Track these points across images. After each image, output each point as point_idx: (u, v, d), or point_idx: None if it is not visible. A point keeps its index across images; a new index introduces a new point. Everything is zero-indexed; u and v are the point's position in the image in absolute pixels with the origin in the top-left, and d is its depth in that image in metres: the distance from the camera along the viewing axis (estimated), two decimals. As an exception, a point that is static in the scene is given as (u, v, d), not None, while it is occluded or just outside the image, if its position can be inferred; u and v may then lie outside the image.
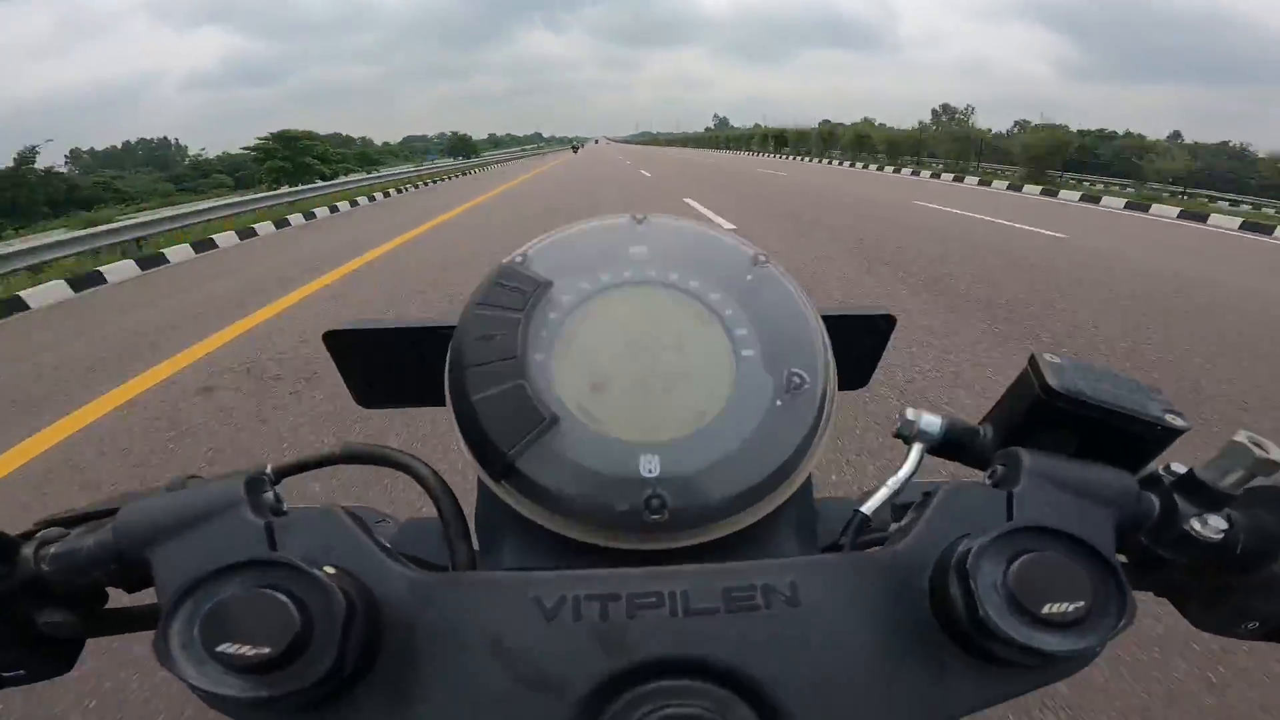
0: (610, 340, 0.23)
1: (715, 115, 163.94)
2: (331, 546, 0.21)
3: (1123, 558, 0.24)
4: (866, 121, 25.40)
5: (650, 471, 0.21)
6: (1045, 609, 0.18)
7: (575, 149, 45.49)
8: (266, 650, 0.17)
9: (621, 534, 0.22)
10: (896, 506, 0.25)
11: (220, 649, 0.18)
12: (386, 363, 0.32)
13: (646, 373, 0.22)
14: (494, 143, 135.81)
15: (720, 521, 0.22)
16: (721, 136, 53.47)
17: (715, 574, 0.20)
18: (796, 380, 0.22)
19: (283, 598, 0.18)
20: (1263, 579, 0.23)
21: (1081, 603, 0.18)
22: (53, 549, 0.22)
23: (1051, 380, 0.24)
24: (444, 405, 0.27)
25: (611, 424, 0.21)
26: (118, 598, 0.25)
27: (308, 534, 0.21)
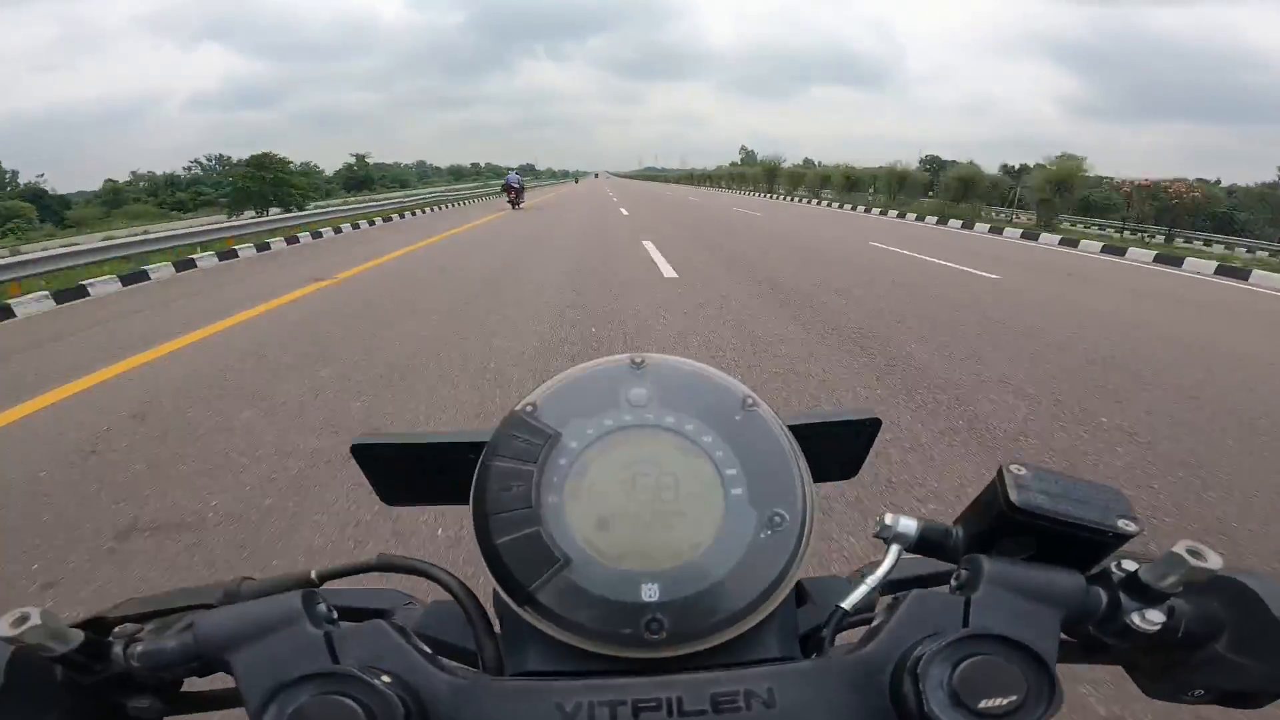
0: (614, 480, 0.27)
1: (743, 148, 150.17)
2: (381, 656, 0.25)
3: (1074, 640, 0.29)
4: (846, 165, 26.49)
5: (651, 597, 0.25)
6: (982, 704, 0.22)
7: (576, 180, 51.82)
8: None
9: (627, 648, 0.26)
10: (883, 589, 0.29)
11: None
12: (410, 469, 0.36)
13: (646, 509, 0.27)
14: (454, 174, 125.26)
15: (710, 636, 0.26)
16: (719, 175, 56.00)
17: (705, 682, 0.25)
18: (778, 519, 0.27)
19: (352, 703, 0.22)
20: (1206, 656, 0.27)
21: (1015, 697, 0.23)
22: (140, 648, 0.27)
23: (1014, 496, 0.28)
24: (462, 503, 0.32)
25: (617, 557, 0.26)
26: (191, 681, 0.30)
27: (361, 644, 0.25)
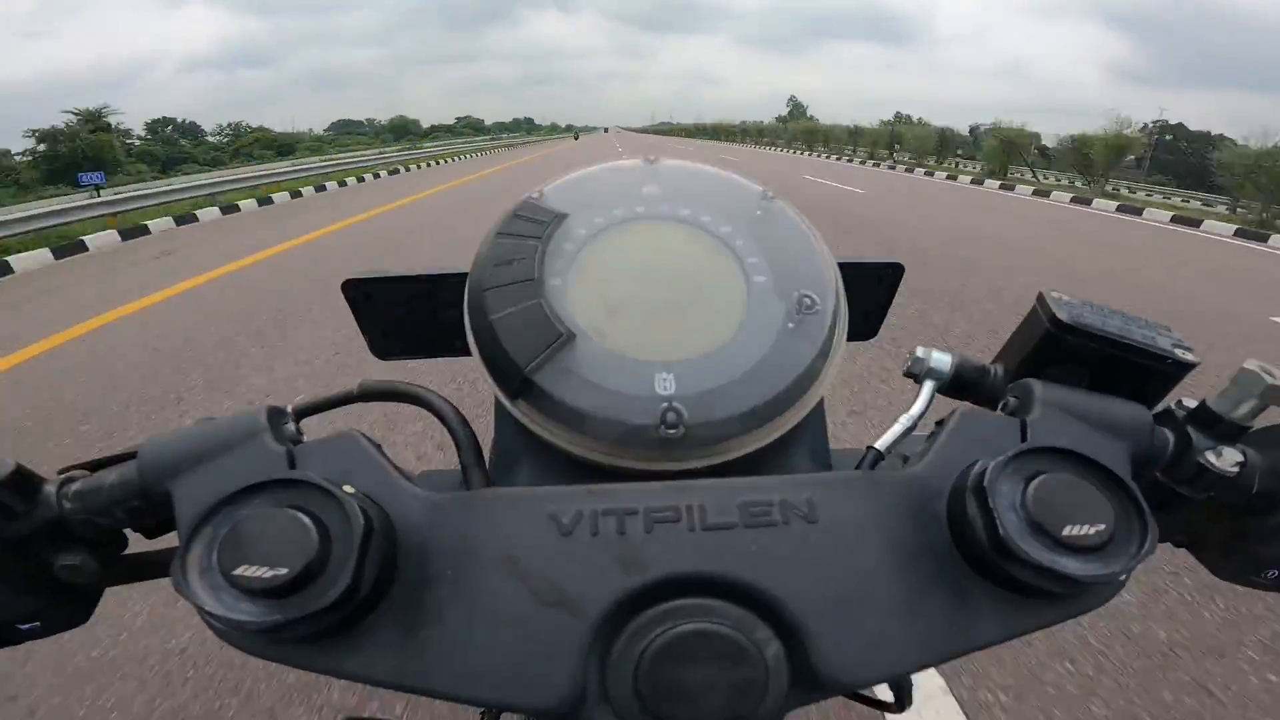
0: (625, 269, 0.26)
1: (792, 98, 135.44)
2: (350, 471, 0.23)
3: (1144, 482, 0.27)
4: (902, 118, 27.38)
5: (666, 389, 0.24)
6: (1066, 531, 0.20)
7: (577, 136, 53.17)
8: (284, 571, 0.19)
9: (638, 451, 0.24)
10: (912, 441, 0.28)
11: (237, 572, 0.19)
12: (403, 312, 0.36)
13: (661, 298, 0.26)
14: (449, 131, 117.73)
15: (736, 439, 0.24)
16: (745, 129, 54.89)
17: (733, 489, 0.23)
18: (808, 302, 0.26)
19: (302, 516, 0.20)
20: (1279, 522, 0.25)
21: (1103, 526, 0.20)
22: (75, 486, 0.25)
23: (1061, 314, 0.27)
24: (458, 355, 0.32)
25: (627, 344, 0.25)
26: (137, 546, 0.28)
27: (329, 458, 0.24)
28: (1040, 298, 0.28)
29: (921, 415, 0.28)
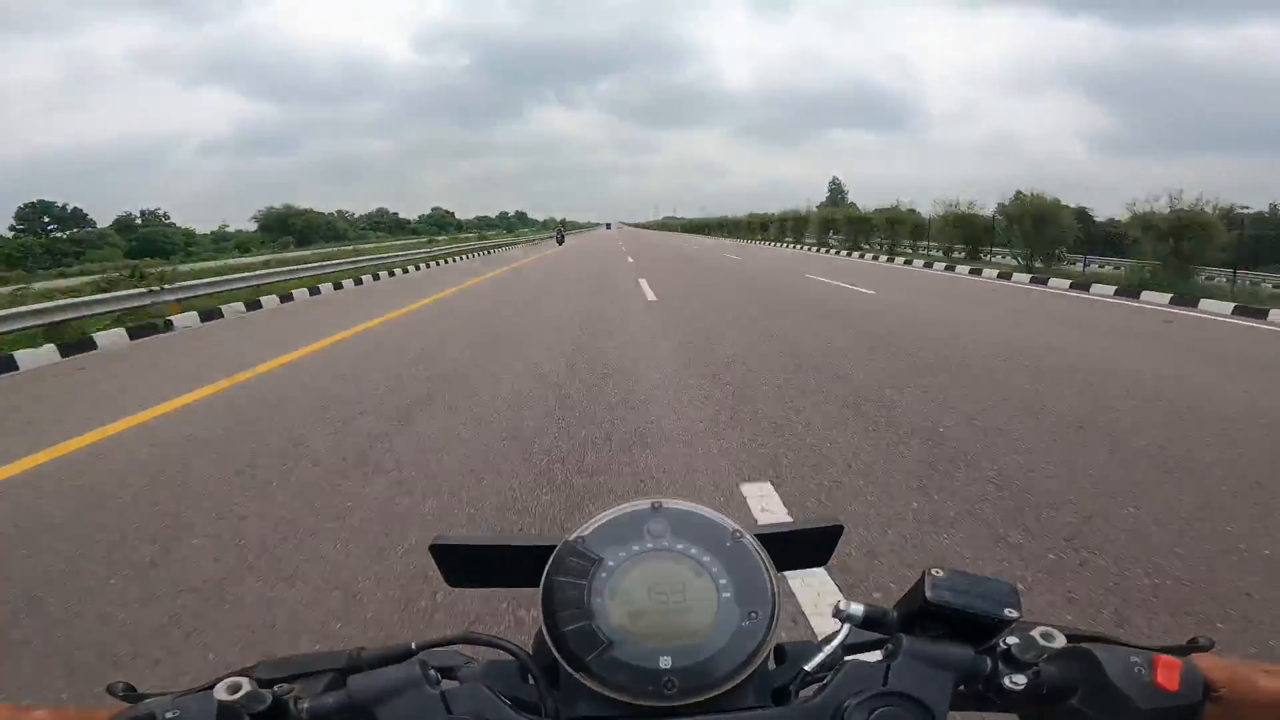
0: (640, 588, 0.47)
1: (834, 180, 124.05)
2: (482, 709, 0.44)
3: (970, 694, 0.47)
4: (852, 205, 27.59)
5: (666, 665, 0.44)
6: None
7: (559, 239, 41.07)
8: None
9: (652, 701, 0.44)
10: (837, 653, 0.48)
11: None
12: (480, 564, 0.57)
13: (663, 607, 0.46)
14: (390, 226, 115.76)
15: (708, 690, 0.45)
16: (739, 223, 57.12)
17: None
18: (753, 615, 0.46)
19: None
20: (1066, 710, 0.45)
21: None
22: (306, 704, 0.44)
23: (928, 593, 0.47)
24: (519, 587, 0.54)
25: (643, 638, 0.45)
26: None
27: (468, 702, 0.44)
28: (924, 574, 0.48)
29: (839, 645, 0.48)
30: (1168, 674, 0.42)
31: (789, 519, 2.58)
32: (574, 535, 0.49)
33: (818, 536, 0.58)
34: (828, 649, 0.48)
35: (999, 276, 14.92)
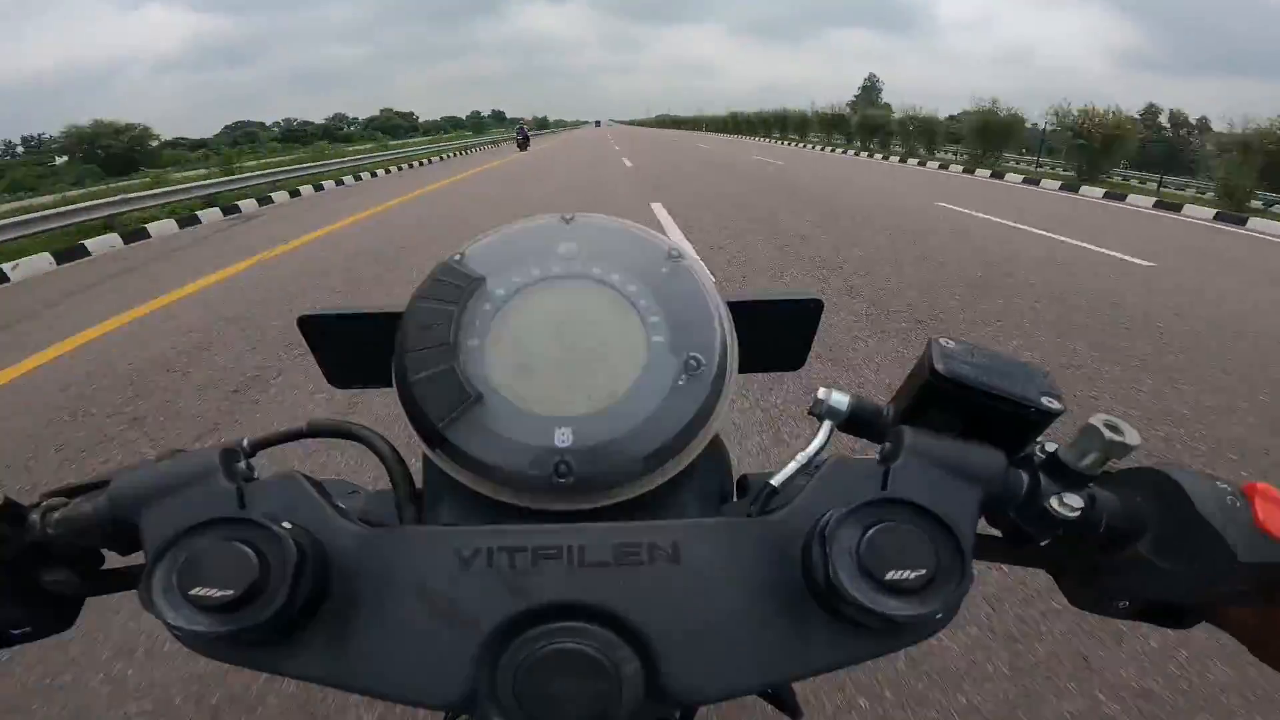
0: (537, 328, 0.33)
1: (871, 76, 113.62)
2: (292, 507, 0.31)
3: (997, 532, 0.34)
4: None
5: (563, 442, 0.31)
6: (889, 575, 0.27)
7: (522, 142, 27.71)
8: (230, 592, 0.27)
9: (536, 496, 0.32)
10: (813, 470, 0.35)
11: (193, 592, 0.27)
12: (353, 345, 0.44)
13: (567, 356, 0.33)
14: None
15: (621, 486, 0.32)
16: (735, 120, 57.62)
17: (608, 532, 0.31)
18: (694, 363, 0.32)
19: (244, 548, 0.28)
20: (1129, 557, 0.32)
21: (923, 571, 0.27)
22: (56, 515, 0.33)
23: (938, 365, 0.33)
24: None
25: (533, 401, 0.32)
26: (112, 561, 0.36)
27: (272, 497, 0.32)
28: (929, 343, 0.35)
29: (817, 453, 0.35)
30: (1271, 512, 0.29)
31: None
32: (450, 255, 0.36)
33: (789, 315, 0.44)
34: (800, 457, 0.35)
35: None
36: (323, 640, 0.30)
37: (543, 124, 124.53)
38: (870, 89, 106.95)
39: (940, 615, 0.27)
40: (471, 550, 0.30)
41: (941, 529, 0.28)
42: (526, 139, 28.92)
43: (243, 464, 0.34)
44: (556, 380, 0.32)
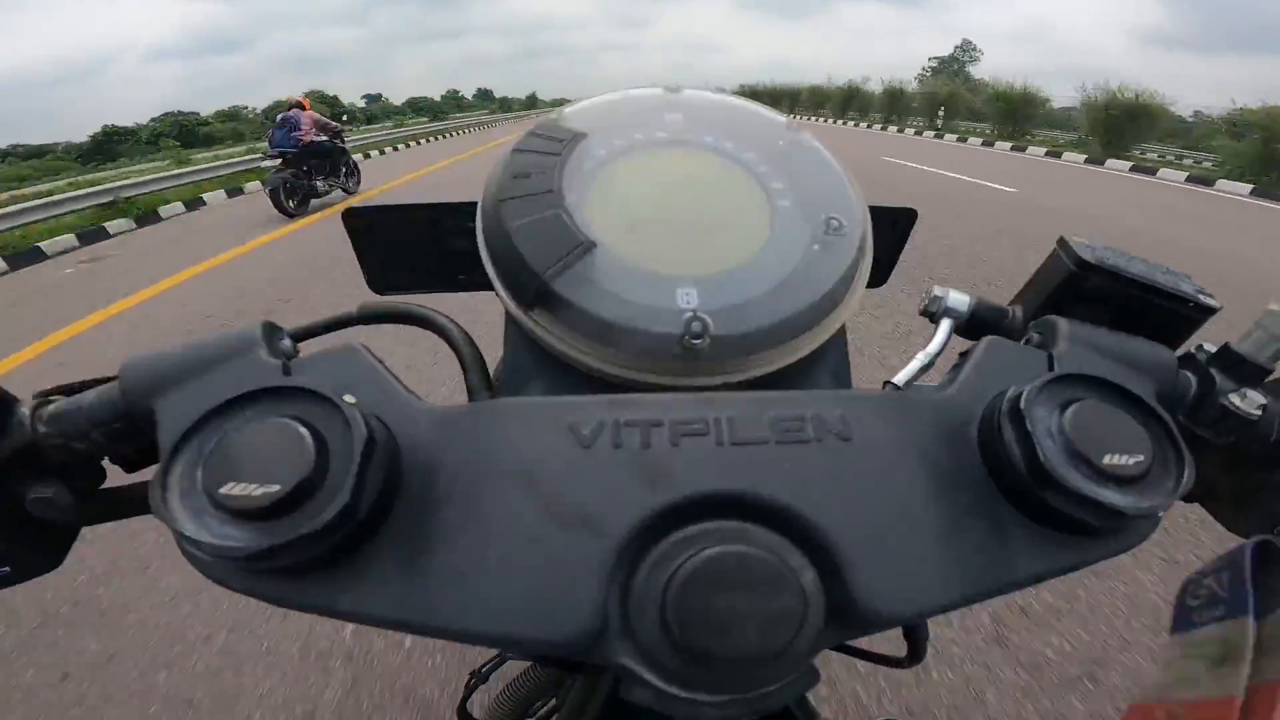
0: (645, 189, 0.30)
1: (968, 40, 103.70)
2: (351, 384, 0.25)
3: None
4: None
5: (688, 303, 0.27)
6: (1106, 460, 0.23)
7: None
8: (275, 488, 0.21)
9: (660, 363, 0.27)
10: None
11: (223, 491, 0.21)
12: (403, 245, 0.40)
13: (682, 217, 0.30)
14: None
15: (761, 354, 0.28)
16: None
17: (764, 402, 0.26)
18: (835, 223, 0.30)
19: (297, 426, 0.22)
20: None
21: (1141, 457, 0.24)
22: (50, 409, 0.27)
23: (1086, 255, 0.31)
24: (461, 290, 0.37)
25: (648, 258, 0.28)
26: (114, 480, 0.30)
27: (327, 370, 0.26)
28: (1061, 241, 0.33)
29: (939, 353, 0.33)
30: None
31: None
32: (549, 114, 0.33)
33: (883, 224, 0.40)
34: (921, 356, 0.33)
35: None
36: (394, 560, 0.23)
37: (530, 104, 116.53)
38: (967, 52, 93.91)
39: (1162, 512, 0.24)
40: (593, 426, 0.25)
41: (1147, 413, 0.25)
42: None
43: (286, 342, 0.28)
44: (671, 240, 0.29)
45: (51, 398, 0.28)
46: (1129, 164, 14.16)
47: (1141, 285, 0.31)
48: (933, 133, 23.16)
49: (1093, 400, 0.25)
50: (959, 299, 0.35)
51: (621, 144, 0.32)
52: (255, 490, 0.21)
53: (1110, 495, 0.23)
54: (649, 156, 0.31)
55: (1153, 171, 13.36)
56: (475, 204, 0.34)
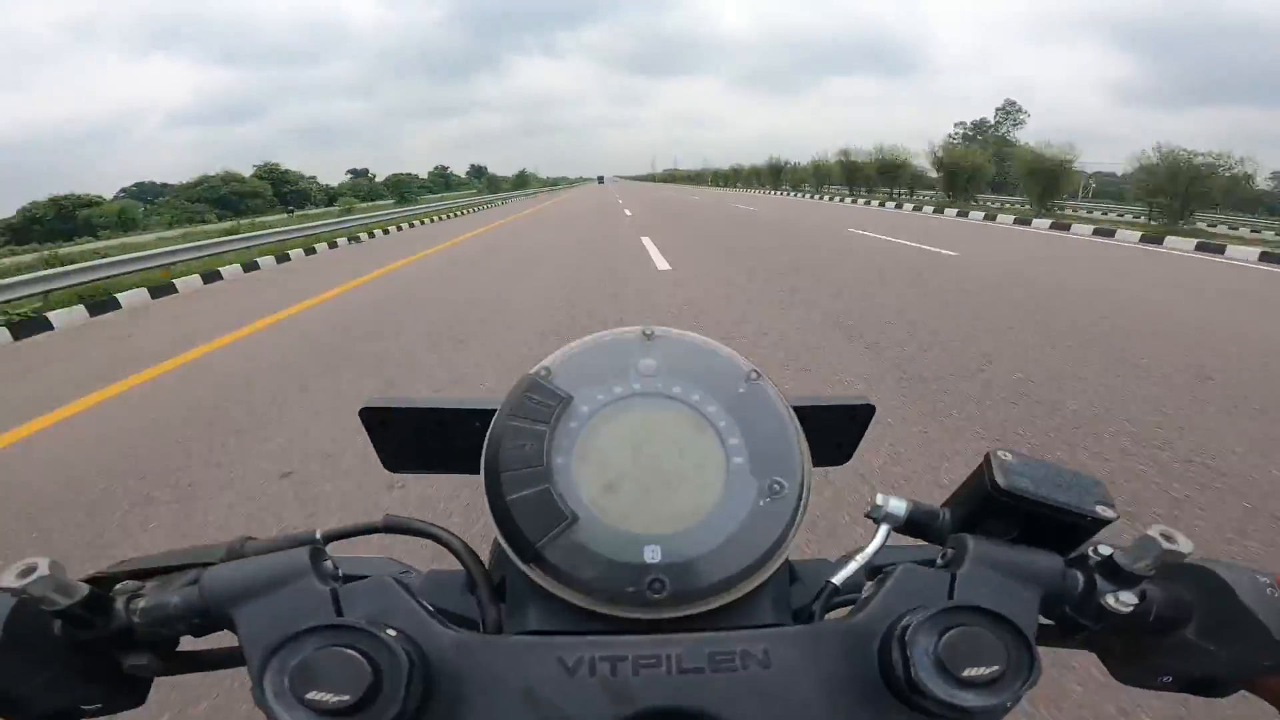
0: (621, 446, 0.39)
1: (1005, 104, 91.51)
2: (387, 610, 0.36)
3: (1051, 622, 0.41)
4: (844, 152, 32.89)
5: (653, 559, 0.37)
6: (966, 672, 0.33)
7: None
8: (346, 697, 0.30)
9: (629, 608, 0.37)
10: (869, 570, 0.41)
11: (308, 696, 0.30)
12: (416, 435, 0.50)
13: (651, 475, 0.39)
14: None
15: (710, 599, 0.38)
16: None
17: (703, 641, 0.36)
18: (777, 487, 0.39)
19: (357, 655, 0.32)
20: (1175, 642, 0.39)
21: (996, 667, 0.33)
22: (142, 603, 0.38)
23: (999, 479, 0.40)
24: (466, 473, 0.46)
25: (621, 519, 0.38)
26: (186, 641, 0.41)
27: (367, 599, 0.37)
28: (987, 457, 0.42)
29: (875, 553, 0.41)
30: None
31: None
32: (537, 368, 0.42)
33: (842, 417, 0.52)
34: (859, 558, 0.42)
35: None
36: None
37: (520, 183, 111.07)
38: (1010, 113, 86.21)
39: (1010, 704, 0.33)
40: (575, 659, 0.35)
41: (1010, 630, 0.34)
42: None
43: (328, 563, 0.39)
44: (641, 498, 0.38)
45: (132, 585, 0.39)
46: (1193, 241, 12.76)
47: (1045, 505, 0.39)
48: (955, 210, 21.84)
49: (965, 626, 0.34)
50: (897, 505, 0.43)
51: (602, 399, 0.40)
52: (330, 698, 0.30)
53: (965, 698, 0.32)
54: (625, 411, 0.40)
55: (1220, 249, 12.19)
56: (479, 410, 0.45)
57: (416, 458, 0.51)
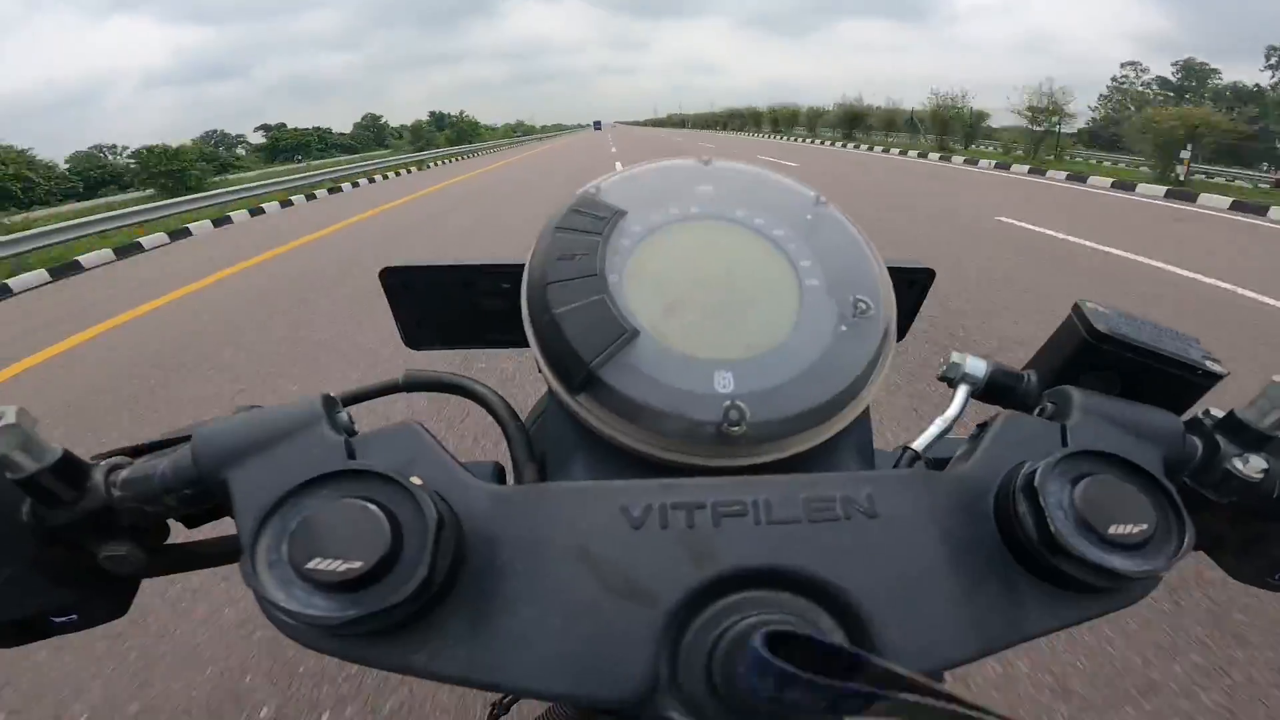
0: (680, 268, 0.35)
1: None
2: (412, 462, 0.30)
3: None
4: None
5: (725, 387, 0.31)
6: (1112, 529, 0.28)
7: None
8: (358, 564, 0.25)
9: (699, 447, 0.32)
10: (946, 443, 0.37)
11: (310, 566, 0.25)
12: (440, 302, 0.45)
13: (715, 298, 0.34)
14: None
15: (793, 437, 0.32)
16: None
17: (797, 484, 0.30)
18: (862, 306, 0.34)
19: (374, 508, 0.26)
20: None
21: (1145, 525, 0.28)
22: (124, 474, 0.32)
23: (1099, 325, 0.36)
24: (495, 347, 0.42)
25: (686, 342, 0.32)
26: (175, 535, 0.35)
27: (389, 449, 0.31)
28: (1076, 307, 0.38)
29: (956, 418, 0.38)
30: None
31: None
32: (585, 187, 0.37)
33: (900, 282, 0.43)
34: (939, 421, 0.38)
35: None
36: (463, 624, 0.28)
37: (512, 131, 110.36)
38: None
39: (1162, 574, 0.29)
40: (642, 508, 0.29)
41: (1152, 483, 0.29)
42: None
43: (344, 414, 0.33)
44: (706, 322, 0.33)
45: (120, 461, 0.33)
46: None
47: (1151, 354, 0.35)
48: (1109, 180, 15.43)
49: (1101, 475, 0.29)
50: (976, 365, 0.39)
51: (658, 219, 0.36)
52: (339, 566, 0.25)
53: (1115, 561, 0.27)
54: (683, 233, 0.36)
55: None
56: (510, 266, 0.40)
57: (440, 330, 0.46)
